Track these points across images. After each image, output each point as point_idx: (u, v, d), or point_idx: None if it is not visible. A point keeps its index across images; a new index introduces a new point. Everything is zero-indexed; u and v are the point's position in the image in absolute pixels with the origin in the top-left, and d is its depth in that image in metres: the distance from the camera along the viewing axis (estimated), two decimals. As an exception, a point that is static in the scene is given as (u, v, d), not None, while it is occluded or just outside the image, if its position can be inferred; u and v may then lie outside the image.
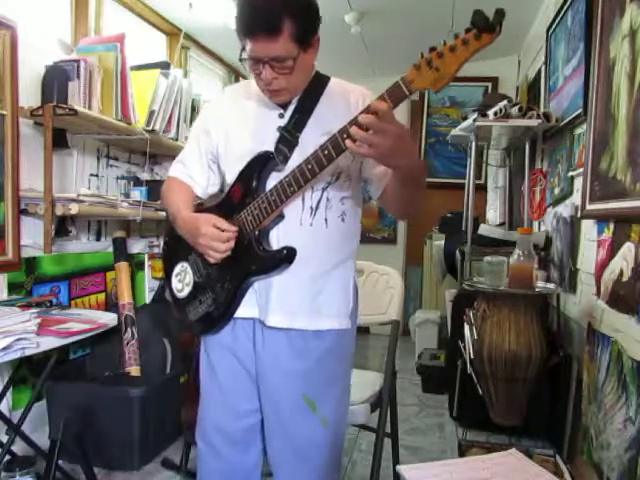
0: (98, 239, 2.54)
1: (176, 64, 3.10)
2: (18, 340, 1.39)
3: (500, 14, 0.93)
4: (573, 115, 2.34)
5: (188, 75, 3.22)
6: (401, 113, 4.99)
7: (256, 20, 1.10)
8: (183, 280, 1.34)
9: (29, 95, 2.07)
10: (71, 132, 2.29)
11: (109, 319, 1.78)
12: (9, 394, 1.92)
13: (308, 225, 1.23)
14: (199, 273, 1.30)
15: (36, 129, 2.10)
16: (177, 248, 1.34)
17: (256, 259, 1.21)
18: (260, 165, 1.21)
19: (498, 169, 3.90)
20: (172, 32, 3.19)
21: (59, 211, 2.04)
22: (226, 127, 1.30)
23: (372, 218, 4.75)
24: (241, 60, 1.16)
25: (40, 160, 2.04)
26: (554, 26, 2.79)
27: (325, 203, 1.23)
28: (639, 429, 1.52)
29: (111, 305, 2.49)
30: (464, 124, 3.01)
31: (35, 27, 2.12)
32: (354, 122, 1.03)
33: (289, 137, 1.21)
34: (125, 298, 2.40)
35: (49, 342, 1.50)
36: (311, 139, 1.18)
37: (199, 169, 1.35)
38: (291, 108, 1.24)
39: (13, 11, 1.96)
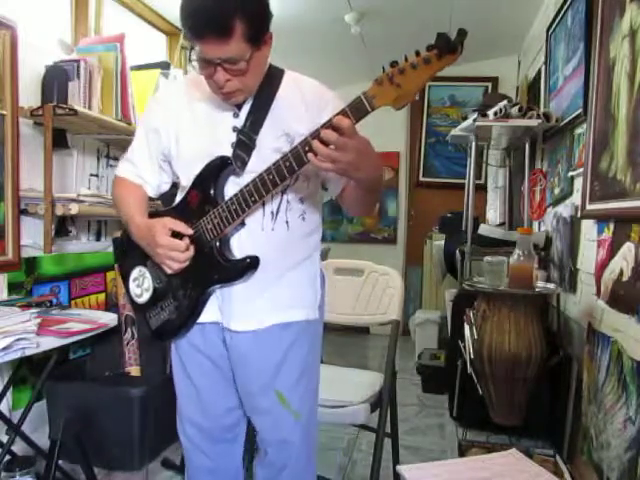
0: (98, 239, 2.54)
1: (176, 64, 3.10)
2: (18, 340, 1.39)
3: (462, 34, 0.92)
4: (573, 115, 2.34)
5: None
6: (400, 113, 5.00)
7: (204, 21, 1.03)
8: (142, 285, 1.30)
9: (29, 95, 2.07)
10: (71, 132, 2.29)
11: (109, 319, 1.78)
12: (9, 394, 1.92)
13: (270, 230, 1.20)
14: (159, 279, 1.26)
15: (36, 129, 2.10)
16: (133, 251, 1.29)
17: (218, 268, 1.18)
18: (217, 171, 1.18)
19: (498, 169, 3.90)
20: (172, 32, 3.19)
21: (59, 211, 2.04)
22: (176, 127, 1.23)
23: (372, 217, 4.75)
24: (190, 61, 1.10)
25: (40, 160, 2.03)
26: (554, 26, 2.79)
27: (285, 206, 1.21)
28: (639, 429, 1.52)
29: (111, 305, 2.49)
30: (464, 124, 3.01)
31: (35, 27, 2.12)
32: (316, 135, 1.00)
33: (246, 140, 1.17)
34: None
35: (49, 342, 1.49)
36: (269, 141, 1.16)
37: (149, 168, 1.30)
38: (246, 108, 1.18)
39: (13, 11, 1.96)
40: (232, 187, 1.17)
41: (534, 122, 2.65)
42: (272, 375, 1.23)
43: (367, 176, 1.07)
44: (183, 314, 1.24)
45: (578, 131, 2.35)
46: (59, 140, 2.18)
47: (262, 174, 1.09)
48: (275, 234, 1.21)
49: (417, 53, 0.94)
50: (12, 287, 1.98)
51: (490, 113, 2.76)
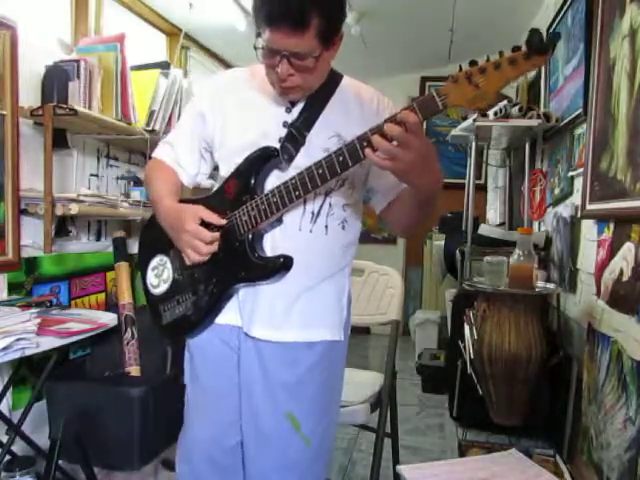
0: (98, 239, 2.54)
1: (176, 64, 3.10)
2: (18, 340, 1.38)
3: (556, 37, 0.89)
4: (573, 115, 2.34)
5: (188, 75, 3.22)
6: (401, 113, 5.00)
7: (283, 10, 0.98)
8: (160, 275, 1.23)
9: (29, 95, 2.06)
10: (71, 132, 2.29)
11: (109, 319, 1.78)
12: (9, 394, 1.92)
13: (307, 231, 1.13)
14: (180, 270, 1.19)
15: (36, 129, 2.10)
16: (158, 238, 1.22)
17: (248, 265, 1.10)
18: (262, 161, 1.12)
19: (498, 169, 3.90)
20: (172, 32, 3.18)
21: (59, 211, 2.04)
22: (224, 114, 1.18)
23: (373, 217, 4.75)
24: (255, 48, 1.05)
25: (40, 160, 2.03)
26: (554, 26, 2.79)
27: (327, 209, 1.14)
28: (639, 429, 1.52)
29: (111, 305, 2.49)
30: (464, 124, 3.01)
31: (35, 27, 2.12)
32: (377, 131, 0.94)
33: (297, 135, 1.12)
34: (125, 298, 2.40)
35: (49, 342, 1.49)
36: (319, 140, 1.11)
37: (189, 155, 1.24)
38: (300, 104, 1.14)
39: (13, 11, 1.96)
40: (274, 181, 1.11)
41: (534, 122, 2.66)
42: (286, 397, 1.14)
43: (426, 183, 0.99)
44: (201, 311, 1.16)
45: (578, 131, 2.35)
46: (59, 140, 2.18)
47: (311, 167, 1.03)
48: (313, 237, 1.14)
49: (500, 53, 0.89)
50: (12, 287, 1.97)
51: (490, 113, 2.76)
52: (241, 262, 1.11)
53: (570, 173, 2.39)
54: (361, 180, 1.18)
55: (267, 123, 1.15)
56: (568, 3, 2.53)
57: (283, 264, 1.09)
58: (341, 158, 1.00)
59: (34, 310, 1.67)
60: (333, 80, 1.17)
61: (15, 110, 1.95)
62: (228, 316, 1.18)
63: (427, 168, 0.96)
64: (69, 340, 1.56)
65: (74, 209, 2.05)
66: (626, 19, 1.73)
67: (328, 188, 1.13)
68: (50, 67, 2.12)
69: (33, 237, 2.09)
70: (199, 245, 1.10)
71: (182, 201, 1.21)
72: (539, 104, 3.05)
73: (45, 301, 1.92)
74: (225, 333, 1.19)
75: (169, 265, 1.22)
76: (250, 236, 1.11)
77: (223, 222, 1.12)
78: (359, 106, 1.16)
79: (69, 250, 2.30)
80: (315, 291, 1.15)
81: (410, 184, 1.02)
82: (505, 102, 2.78)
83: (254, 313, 1.14)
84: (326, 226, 1.15)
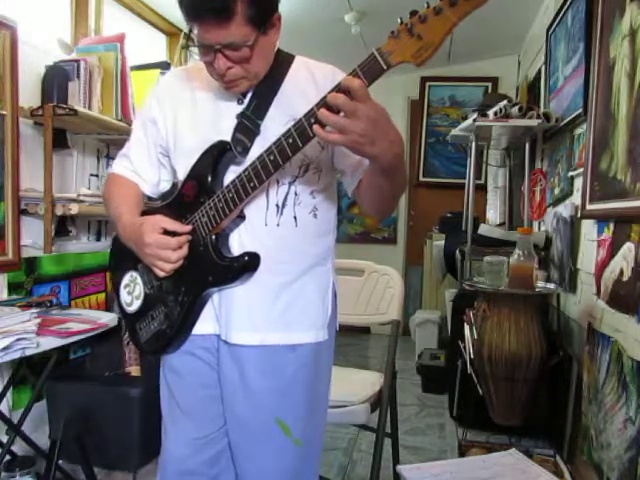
0: (98, 239, 2.54)
1: (176, 64, 3.10)
2: (18, 340, 1.39)
3: None
4: (573, 115, 2.34)
5: (188, 75, 3.22)
6: (400, 113, 4.99)
7: (203, 0, 0.92)
8: (132, 292, 1.17)
9: (29, 95, 2.07)
10: (71, 132, 2.29)
11: (109, 319, 1.78)
12: (9, 394, 1.92)
13: (274, 225, 1.06)
14: (150, 284, 1.13)
15: (36, 129, 2.10)
16: (125, 255, 1.16)
17: (213, 268, 1.04)
18: (215, 158, 1.05)
19: (498, 169, 3.90)
20: (172, 32, 3.19)
21: (59, 211, 2.04)
22: (174, 116, 1.13)
23: (371, 217, 4.74)
24: (187, 47, 1.00)
25: (40, 160, 2.04)
26: (554, 26, 2.79)
27: (293, 199, 1.07)
28: (639, 429, 1.52)
29: (111, 305, 2.49)
30: (464, 124, 3.01)
31: (35, 27, 2.12)
32: (322, 104, 0.86)
33: (249, 124, 1.05)
34: (125, 298, 2.40)
35: (49, 342, 1.49)
36: (275, 127, 1.01)
37: (147, 164, 1.19)
38: (251, 92, 1.07)
39: (13, 11, 1.96)
40: (232, 177, 1.04)
41: (534, 122, 2.66)
42: (272, 403, 1.09)
43: (384, 152, 0.88)
44: (174, 323, 1.09)
45: (578, 131, 2.35)
46: (59, 140, 2.18)
47: (262, 155, 0.96)
48: (281, 230, 1.07)
49: None
50: (12, 287, 1.98)
51: (490, 113, 2.76)
52: (207, 266, 1.05)
53: (570, 173, 2.39)
54: (327, 163, 1.10)
55: (220, 118, 1.08)
56: (568, 3, 2.53)
57: (248, 262, 1.03)
58: (290, 140, 0.92)
59: (34, 310, 1.67)
60: (284, 63, 1.10)
61: (15, 110, 1.95)
62: (205, 325, 1.11)
63: (381, 134, 0.86)
64: (69, 340, 1.56)
65: (74, 209, 2.05)
66: (626, 19, 1.73)
67: (292, 176, 1.07)
68: (50, 67, 2.13)
69: (33, 237, 2.10)
70: (166, 254, 1.04)
71: (143, 213, 1.15)
72: (539, 104, 3.05)
73: (45, 301, 1.92)
74: (201, 347, 1.13)
75: (139, 281, 1.16)
76: (213, 237, 1.05)
77: (188, 229, 1.06)
78: (314, 86, 1.06)
79: (69, 250, 2.30)
80: (295, 289, 1.09)
81: (367, 156, 0.91)
82: (505, 102, 2.78)
83: (231, 318, 1.07)
84: (295, 217, 1.08)
